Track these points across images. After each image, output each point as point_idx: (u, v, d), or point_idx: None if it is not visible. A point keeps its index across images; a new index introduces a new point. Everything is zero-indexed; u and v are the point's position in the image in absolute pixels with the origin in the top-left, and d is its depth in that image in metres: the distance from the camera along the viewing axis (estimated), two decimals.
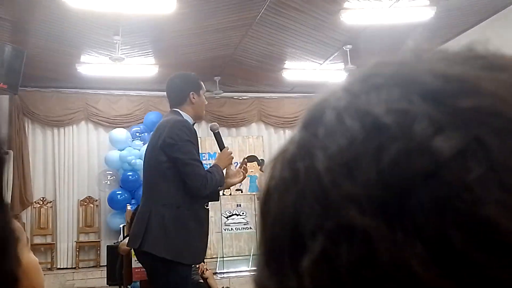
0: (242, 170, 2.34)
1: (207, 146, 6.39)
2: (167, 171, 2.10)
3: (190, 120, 2.24)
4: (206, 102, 2.36)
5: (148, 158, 2.20)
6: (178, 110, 2.24)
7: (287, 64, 6.09)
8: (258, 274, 0.25)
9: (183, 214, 2.09)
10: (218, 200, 2.41)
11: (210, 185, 2.11)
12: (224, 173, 2.27)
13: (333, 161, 0.22)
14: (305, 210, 0.22)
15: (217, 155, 2.36)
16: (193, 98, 2.25)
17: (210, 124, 2.42)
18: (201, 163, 2.15)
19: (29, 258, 0.84)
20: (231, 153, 2.31)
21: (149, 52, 5.50)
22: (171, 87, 2.30)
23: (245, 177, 2.39)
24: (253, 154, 6.79)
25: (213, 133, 2.35)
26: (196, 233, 2.12)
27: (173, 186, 2.09)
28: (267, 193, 0.25)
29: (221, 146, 2.32)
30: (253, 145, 6.85)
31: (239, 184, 2.53)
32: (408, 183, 0.20)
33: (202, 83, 2.34)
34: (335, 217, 0.21)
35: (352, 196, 0.21)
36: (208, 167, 2.25)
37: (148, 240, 2.04)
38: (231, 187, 2.49)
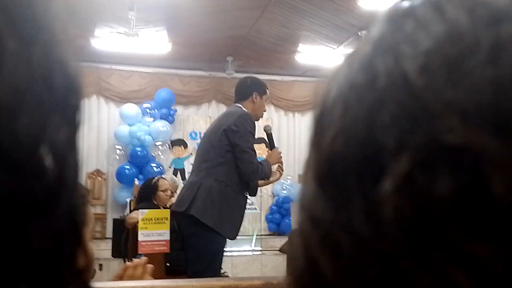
0: (279, 169, 2.62)
1: None
2: (226, 153, 2.39)
3: None
4: (266, 109, 2.66)
5: (209, 138, 2.50)
6: (240, 105, 2.52)
7: (301, 47, 6.05)
8: (307, 201, 0.20)
9: (228, 193, 2.39)
10: (255, 196, 2.73)
11: (260, 174, 2.43)
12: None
13: (427, 59, 0.17)
14: (384, 121, 0.17)
15: (267, 153, 2.73)
16: (255, 98, 2.52)
17: (264, 126, 2.72)
18: (256, 153, 2.45)
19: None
20: (280, 153, 2.62)
21: (163, 29, 5.48)
22: (241, 84, 2.62)
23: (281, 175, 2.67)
24: (261, 137, 6.80)
25: (266, 134, 2.65)
26: (234, 213, 2.42)
27: (227, 167, 2.39)
28: (325, 106, 0.21)
29: (272, 145, 2.65)
30: (263, 127, 6.85)
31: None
32: None
33: (267, 90, 2.64)
34: (429, 130, 0.16)
35: (454, 103, 0.16)
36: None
37: (194, 206, 2.33)
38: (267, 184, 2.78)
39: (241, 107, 2.51)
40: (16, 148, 0.19)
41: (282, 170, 2.67)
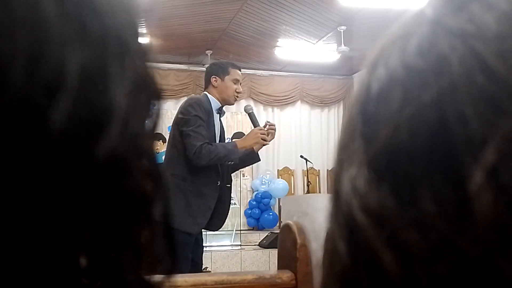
0: (261, 132, 2.40)
1: None
2: (178, 144, 2.30)
3: (216, 102, 2.42)
4: (236, 88, 2.46)
5: (169, 133, 2.45)
6: (206, 92, 2.46)
7: (280, 42, 6.05)
8: (356, 195, 0.19)
9: (185, 186, 2.28)
10: (259, 160, 2.57)
11: (207, 156, 2.22)
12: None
13: (503, 41, 0.16)
14: (461, 109, 0.16)
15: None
16: (215, 81, 2.42)
17: (244, 106, 2.64)
18: (203, 136, 2.28)
19: None
20: (261, 130, 2.41)
21: (140, 22, 5.40)
22: (205, 72, 2.56)
23: (264, 140, 2.42)
24: (240, 131, 6.79)
25: (247, 114, 2.54)
26: (194, 206, 2.30)
27: (182, 159, 2.29)
28: (372, 94, 0.19)
29: (255, 125, 2.50)
30: (241, 122, 6.84)
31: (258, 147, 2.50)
32: None
33: (232, 70, 2.46)
34: None
35: None
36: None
37: None
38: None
39: (205, 94, 2.44)
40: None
41: (269, 136, 2.44)
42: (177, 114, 2.35)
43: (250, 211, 6.45)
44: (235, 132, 6.74)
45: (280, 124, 7.24)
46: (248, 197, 6.62)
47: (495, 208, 0.15)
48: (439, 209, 0.16)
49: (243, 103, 7.23)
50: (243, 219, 6.51)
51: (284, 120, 7.24)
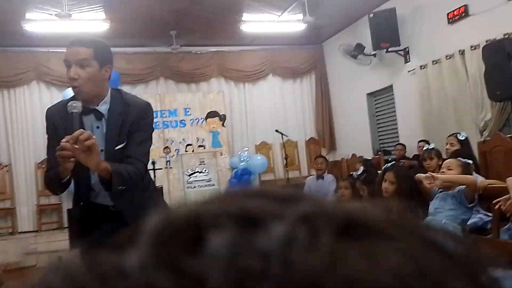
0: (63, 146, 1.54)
1: (166, 103, 6.35)
2: None
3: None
4: (67, 76, 1.71)
5: None
6: None
7: (245, 16, 5.94)
8: None
9: None
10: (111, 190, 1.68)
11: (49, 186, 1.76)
12: None
13: None
14: None
15: None
16: None
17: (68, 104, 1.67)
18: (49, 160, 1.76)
19: None
20: (82, 137, 1.52)
21: (99, 6, 5.22)
22: None
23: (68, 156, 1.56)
24: (214, 110, 6.72)
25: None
26: None
27: None
28: None
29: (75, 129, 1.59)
30: (214, 101, 6.77)
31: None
32: None
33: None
34: None
35: None
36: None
37: None
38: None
39: None
40: None
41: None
42: None
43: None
44: (208, 111, 6.68)
45: (254, 99, 7.19)
46: (227, 175, 6.61)
47: None
48: None
49: (214, 81, 7.12)
50: None
51: (257, 95, 7.19)
